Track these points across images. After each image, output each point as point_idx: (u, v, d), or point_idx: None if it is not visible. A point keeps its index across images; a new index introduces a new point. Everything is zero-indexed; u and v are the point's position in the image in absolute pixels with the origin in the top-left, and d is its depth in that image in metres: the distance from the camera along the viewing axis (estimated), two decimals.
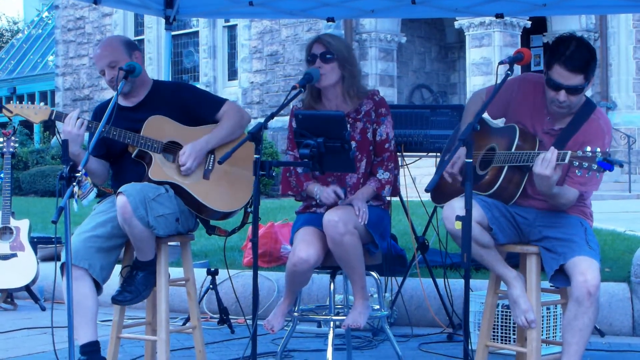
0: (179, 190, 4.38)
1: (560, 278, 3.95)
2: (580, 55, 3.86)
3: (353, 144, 4.49)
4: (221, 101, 4.64)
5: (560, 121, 4.06)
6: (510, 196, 4.07)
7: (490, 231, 4.00)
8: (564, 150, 3.75)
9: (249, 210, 4.54)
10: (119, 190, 4.19)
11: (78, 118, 4.28)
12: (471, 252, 3.92)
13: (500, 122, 4.32)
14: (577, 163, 3.64)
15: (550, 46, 3.96)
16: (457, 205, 3.84)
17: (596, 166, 3.58)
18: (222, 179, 4.48)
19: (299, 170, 4.54)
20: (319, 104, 4.60)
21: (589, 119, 4.00)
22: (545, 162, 3.74)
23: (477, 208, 3.95)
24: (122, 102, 4.51)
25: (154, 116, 4.43)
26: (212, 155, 4.49)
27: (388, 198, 4.69)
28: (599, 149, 3.59)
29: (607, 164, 3.56)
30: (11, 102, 4.43)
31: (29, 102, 4.42)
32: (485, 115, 4.16)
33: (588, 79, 3.90)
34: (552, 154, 3.74)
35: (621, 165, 3.59)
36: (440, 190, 4.37)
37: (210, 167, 4.48)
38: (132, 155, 4.40)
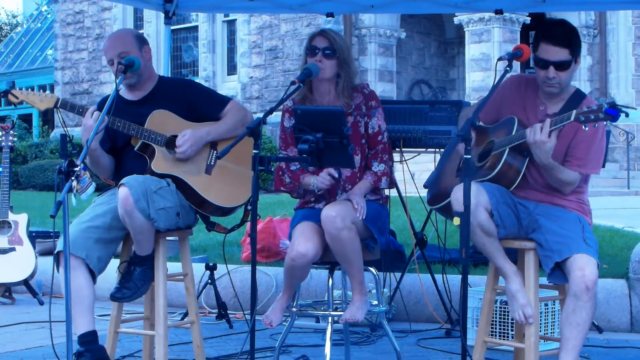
0: (180, 185, 4.39)
1: (558, 275, 3.95)
2: (561, 29, 4.01)
3: None
4: (226, 100, 4.65)
5: (553, 107, 4.12)
6: (510, 182, 4.09)
7: (492, 217, 4.01)
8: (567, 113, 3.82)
9: (249, 208, 4.53)
10: (121, 181, 4.20)
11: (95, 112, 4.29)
12: (474, 240, 3.96)
13: None
14: (584, 118, 3.70)
15: (536, 30, 4.10)
16: None
17: (603, 115, 3.64)
18: (223, 175, 4.48)
19: (292, 167, 4.54)
20: (311, 99, 4.59)
21: (581, 104, 4.05)
22: (538, 128, 3.85)
23: (484, 194, 3.96)
24: (128, 95, 4.54)
25: (158, 110, 4.44)
26: (214, 151, 4.50)
27: (387, 193, 4.69)
28: (603, 101, 3.67)
29: (614, 110, 3.62)
30: (2, 103, 4.45)
31: (35, 90, 4.44)
32: (480, 123, 4.27)
33: (574, 54, 4.01)
34: (547, 121, 3.86)
35: (627, 114, 3.65)
36: (436, 191, 4.38)
37: (212, 163, 4.48)
38: (135, 148, 4.41)
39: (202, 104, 4.56)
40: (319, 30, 4.58)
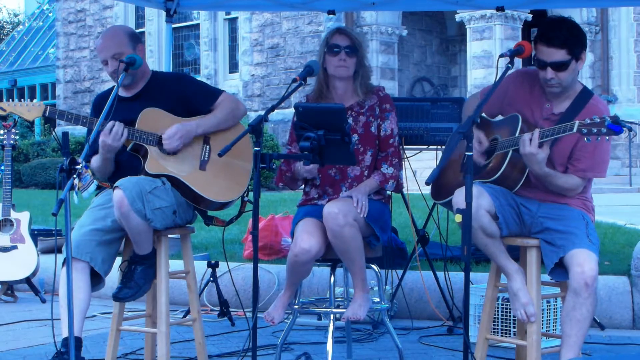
0: (175, 183, 4.38)
1: (560, 272, 3.95)
2: (559, 31, 3.94)
3: (355, 137, 4.50)
4: (218, 92, 4.64)
5: (559, 106, 4.09)
6: (514, 182, 4.08)
7: (497, 220, 4.00)
8: (571, 122, 3.79)
9: (245, 199, 4.54)
10: (115, 184, 4.19)
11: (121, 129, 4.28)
12: (476, 241, 3.95)
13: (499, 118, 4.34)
14: (586, 130, 3.68)
15: (537, 28, 4.06)
16: None
17: (606, 129, 3.62)
18: (218, 169, 4.47)
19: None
20: (327, 97, 4.60)
21: (588, 104, 4.04)
22: (527, 140, 3.83)
23: (486, 196, 3.96)
24: (121, 92, 4.50)
25: (148, 108, 4.41)
26: (208, 146, 4.49)
27: (389, 192, 4.69)
28: (606, 115, 3.64)
29: (617, 126, 3.60)
30: (3, 100, 4.43)
31: (23, 100, 4.42)
32: (483, 115, 4.23)
33: (574, 54, 3.95)
34: (535, 132, 3.84)
35: (630, 129, 3.62)
36: (440, 186, 4.37)
37: (206, 158, 4.47)
38: (127, 149, 4.40)
39: (195, 98, 4.54)
40: (336, 28, 4.60)
